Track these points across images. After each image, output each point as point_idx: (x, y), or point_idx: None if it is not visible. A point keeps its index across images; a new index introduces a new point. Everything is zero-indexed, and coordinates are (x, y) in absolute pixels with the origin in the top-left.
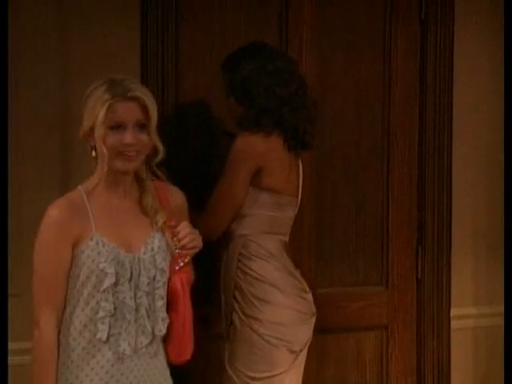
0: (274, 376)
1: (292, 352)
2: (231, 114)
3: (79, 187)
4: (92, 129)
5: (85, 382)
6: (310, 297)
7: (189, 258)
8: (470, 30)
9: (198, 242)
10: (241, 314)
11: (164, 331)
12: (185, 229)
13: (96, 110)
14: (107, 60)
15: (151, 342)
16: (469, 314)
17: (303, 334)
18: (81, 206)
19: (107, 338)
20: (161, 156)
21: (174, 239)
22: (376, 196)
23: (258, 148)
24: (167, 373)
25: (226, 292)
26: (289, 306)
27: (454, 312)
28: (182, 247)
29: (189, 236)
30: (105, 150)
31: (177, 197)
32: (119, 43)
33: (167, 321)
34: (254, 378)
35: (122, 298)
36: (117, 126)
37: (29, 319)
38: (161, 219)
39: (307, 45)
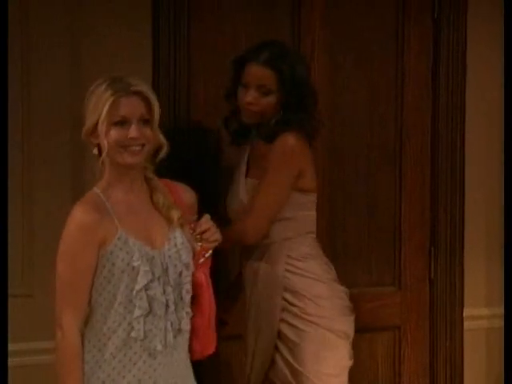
0: (345, 369)
1: (350, 344)
2: (264, 112)
3: (94, 189)
4: (95, 126)
5: (117, 380)
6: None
7: (210, 251)
8: (483, 30)
9: (219, 236)
10: (303, 315)
11: (189, 326)
12: (207, 222)
13: (99, 107)
14: (118, 63)
15: (177, 337)
16: (482, 315)
17: (353, 325)
18: (102, 206)
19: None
20: (165, 150)
21: (195, 233)
22: (388, 197)
23: (302, 150)
24: (191, 369)
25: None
26: (338, 298)
27: (466, 312)
28: (205, 240)
29: (211, 229)
30: (105, 143)
31: (188, 193)
32: (130, 45)
33: (191, 315)
34: (334, 375)
35: (153, 294)
36: (121, 122)
37: (29, 320)
38: (175, 215)
39: (319, 45)
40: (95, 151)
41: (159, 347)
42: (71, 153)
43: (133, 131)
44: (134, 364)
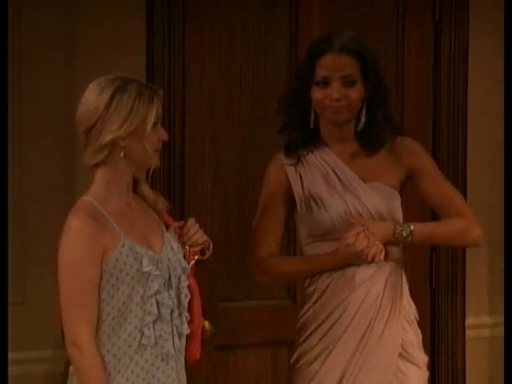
0: None
1: None
2: (352, 107)
3: (84, 198)
4: (135, 130)
5: None
6: None
7: (198, 254)
8: (484, 32)
9: (206, 238)
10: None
11: (188, 330)
12: (194, 225)
13: (140, 110)
14: (112, 64)
15: (181, 342)
16: (484, 324)
17: None
18: (99, 214)
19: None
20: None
21: (184, 237)
22: None
23: None
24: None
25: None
26: None
27: (469, 321)
28: (194, 243)
29: (199, 231)
30: (147, 147)
31: (160, 200)
32: (125, 43)
33: (188, 319)
34: None
35: (161, 299)
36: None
37: (30, 328)
38: (163, 205)
39: None
40: (122, 155)
41: (172, 351)
42: (64, 156)
43: (163, 133)
44: (147, 372)
